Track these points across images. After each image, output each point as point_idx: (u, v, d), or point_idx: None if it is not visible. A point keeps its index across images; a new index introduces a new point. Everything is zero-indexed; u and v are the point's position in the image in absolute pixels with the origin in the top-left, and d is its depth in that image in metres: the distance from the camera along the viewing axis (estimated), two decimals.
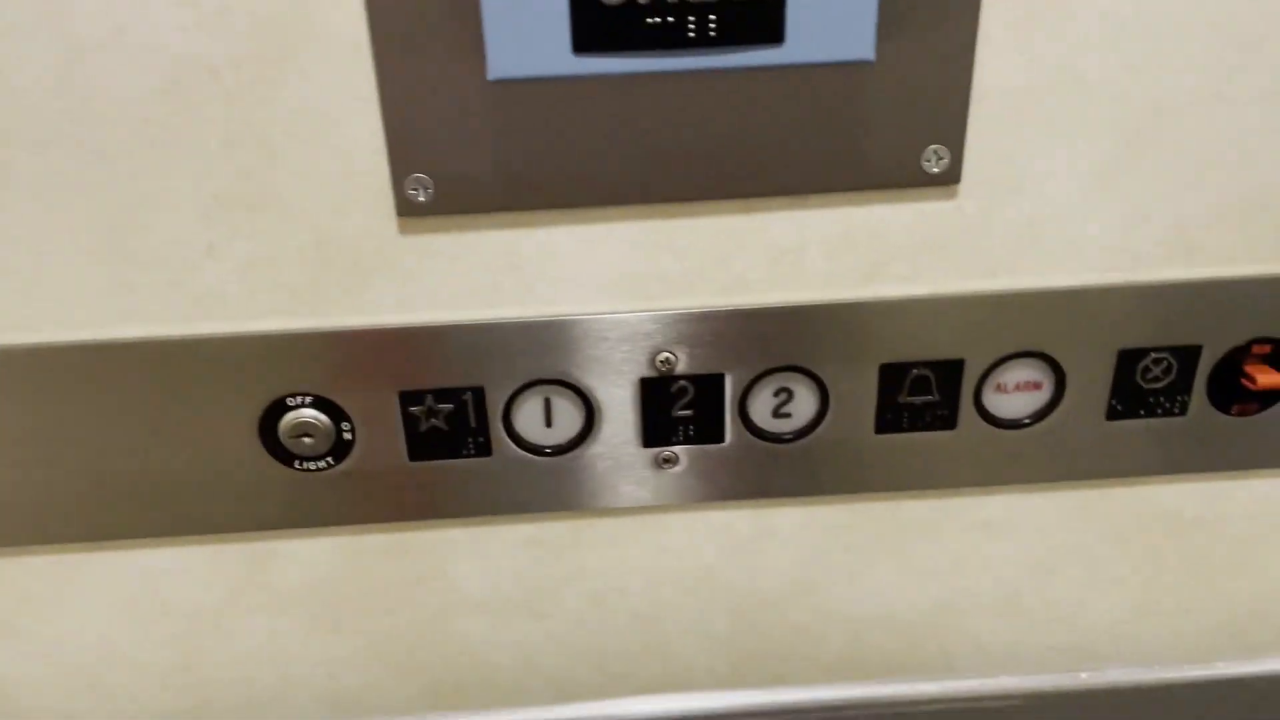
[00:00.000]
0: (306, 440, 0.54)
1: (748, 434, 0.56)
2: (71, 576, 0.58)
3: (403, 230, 0.50)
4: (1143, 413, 0.57)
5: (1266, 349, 0.56)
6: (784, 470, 0.58)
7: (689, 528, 0.59)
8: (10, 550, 0.57)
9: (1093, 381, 0.56)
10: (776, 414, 0.56)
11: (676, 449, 0.56)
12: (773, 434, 0.57)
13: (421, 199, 0.49)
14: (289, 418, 0.53)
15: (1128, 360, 0.56)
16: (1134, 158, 0.51)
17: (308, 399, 0.53)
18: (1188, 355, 0.56)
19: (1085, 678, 0.66)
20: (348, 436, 0.54)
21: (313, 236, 0.50)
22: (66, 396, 0.52)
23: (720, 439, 0.56)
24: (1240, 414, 0.58)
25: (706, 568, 0.61)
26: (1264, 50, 0.48)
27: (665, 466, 0.57)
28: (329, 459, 0.55)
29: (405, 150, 0.48)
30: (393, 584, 0.60)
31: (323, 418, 0.54)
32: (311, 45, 0.45)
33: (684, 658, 0.64)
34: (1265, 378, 0.55)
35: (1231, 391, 0.57)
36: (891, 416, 0.56)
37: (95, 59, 0.45)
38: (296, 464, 0.55)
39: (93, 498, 0.55)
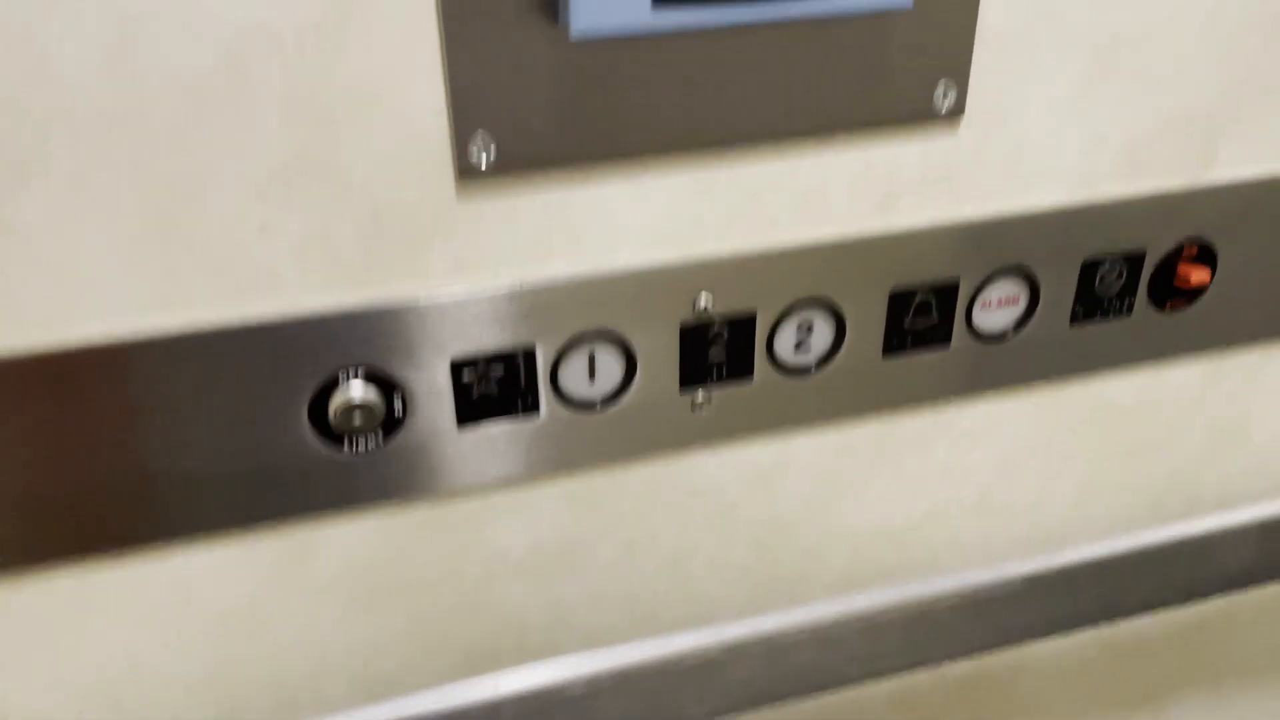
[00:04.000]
0: (357, 419, 0.53)
1: (772, 369, 0.60)
2: (93, 593, 0.54)
3: (460, 195, 0.50)
4: (1098, 315, 0.65)
5: (1194, 250, 0.65)
6: (801, 400, 0.62)
7: (716, 466, 0.62)
8: (27, 570, 0.52)
9: (1061, 291, 0.63)
10: (798, 347, 0.60)
11: (709, 390, 0.59)
12: (795, 367, 0.60)
13: (483, 161, 0.49)
14: (340, 397, 0.52)
15: (1089, 270, 0.63)
16: (1096, 85, 0.58)
17: (359, 375, 0.52)
18: (1134, 261, 0.64)
19: (1042, 560, 0.73)
20: (398, 412, 0.54)
21: (369, 207, 0.49)
22: (96, 398, 0.49)
23: (749, 376, 0.59)
24: (1172, 309, 0.67)
25: (730, 502, 0.64)
26: None
27: (698, 410, 0.59)
28: (378, 435, 0.54)
29: (469, 111, 0.48)
30: (432, 559, 0.60)
31: (374, 394, 0.53)
32: (375, 8, 0.45)
33: (706, 593, 0.67)
34: (1198, 275, 0.64)
35: (1165, 290, 0.66)
36: (897, 340, 0.61)
37: (149, 31, 0.42)
38: (346, 444, 0.54)
39: (119, 503, 0.52)
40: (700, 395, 0.59)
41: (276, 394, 0.51)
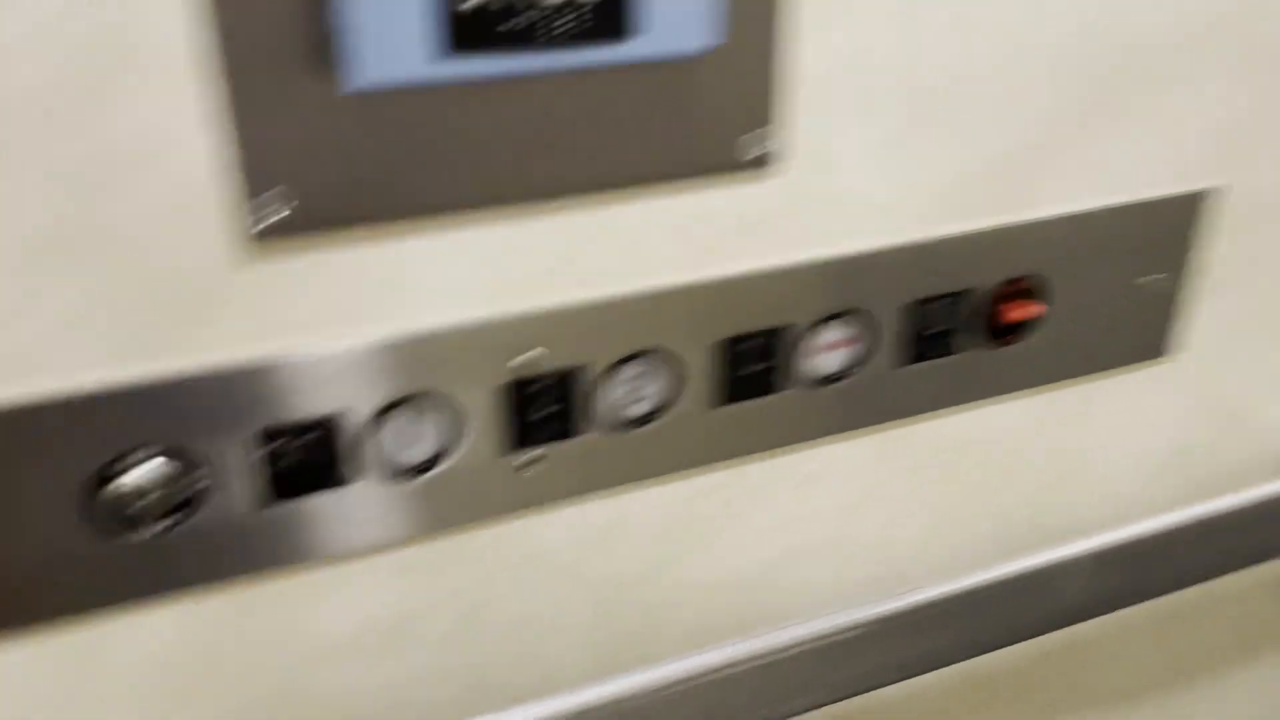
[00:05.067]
0: (145, 501, 0.49)
1: (604, 425, 0.58)
2: None
3: (251, 256, 0.47)
4: (930, 355, 0.65)
5: (1022, 286, 0.65)
6: (636, 455, 0.60)
7: (550, 527, 0.60)
8: None
9: (891, 333, 0.63)
10: (630, 401, 0.58)
11: (537, 450, 0.57)
12: (628, 421, 0.58)
13: (272, 220, 0.46)
14: (126, 479, 0.48)
15: (918, 310, 0.63)
16: (914, 128, 0.58)
17: (148, 453, 0.48)
18: (962, 300, 0.64)
19: (898, 601, 0.73)
20: (196, 491, 0.50)
21: (149, 273, 0.45)
22: None
23: (579, 433, 0.57)
24: (1003, 345, 0.67)
25: (567, 563, 0.62)
26: (998, 37, 0.57)
27: (527, 469, 0.57)
28: (174, 517, 0.50)
29: (254, 169, 0.45)
30: (245, 646, 0.55)
31: (165, 471, 0.49)
32: (141, 63, 0.41)
33: (551, 658, 0.64)
34: (1018, 312, 0.65)
35: (995, 327, 0.66)
36: (732, 388, 0.60)
37: None
38: (136, 529, 0.49)
39: None
40: (529, 455, 0.57)
41: (51, 479, 0.47)
